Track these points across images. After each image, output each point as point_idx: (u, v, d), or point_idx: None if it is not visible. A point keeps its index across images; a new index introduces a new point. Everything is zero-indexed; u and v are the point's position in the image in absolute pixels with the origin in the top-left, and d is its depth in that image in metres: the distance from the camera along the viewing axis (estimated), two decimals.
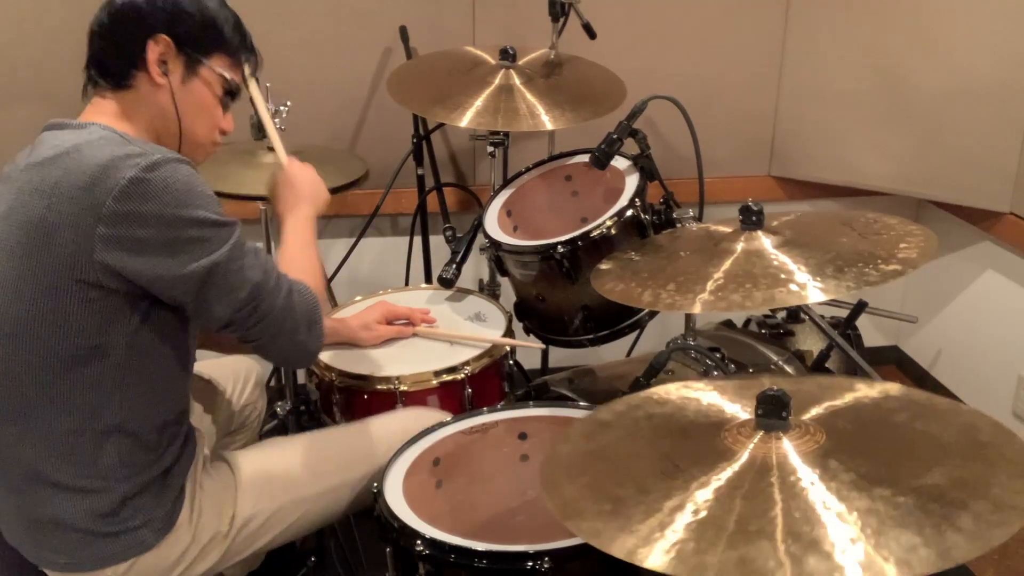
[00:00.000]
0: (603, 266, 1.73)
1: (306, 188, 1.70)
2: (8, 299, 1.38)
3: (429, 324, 2.04)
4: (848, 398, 1.29)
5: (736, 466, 1.14)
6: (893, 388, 1.31)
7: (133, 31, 1.45)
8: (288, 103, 2.22)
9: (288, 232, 1.65)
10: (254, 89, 1.71)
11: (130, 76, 1.46)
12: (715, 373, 1.87)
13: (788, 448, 1.15)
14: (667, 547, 1.03)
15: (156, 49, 1.45)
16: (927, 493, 1.06)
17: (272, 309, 1.45)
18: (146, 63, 1.45)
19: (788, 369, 2.11)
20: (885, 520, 1.02)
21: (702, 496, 1.09)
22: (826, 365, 2.08)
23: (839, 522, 1.03)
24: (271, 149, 2.29)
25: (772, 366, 2.14)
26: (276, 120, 2.24)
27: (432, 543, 1.41)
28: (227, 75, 1.53)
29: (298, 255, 1.61)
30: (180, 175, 1.35)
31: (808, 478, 1.10)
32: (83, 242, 1.32)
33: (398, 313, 2.02)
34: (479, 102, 2.20)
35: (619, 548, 1.04)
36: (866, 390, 1.31)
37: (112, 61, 1.46)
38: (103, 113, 1.47)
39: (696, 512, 1.07)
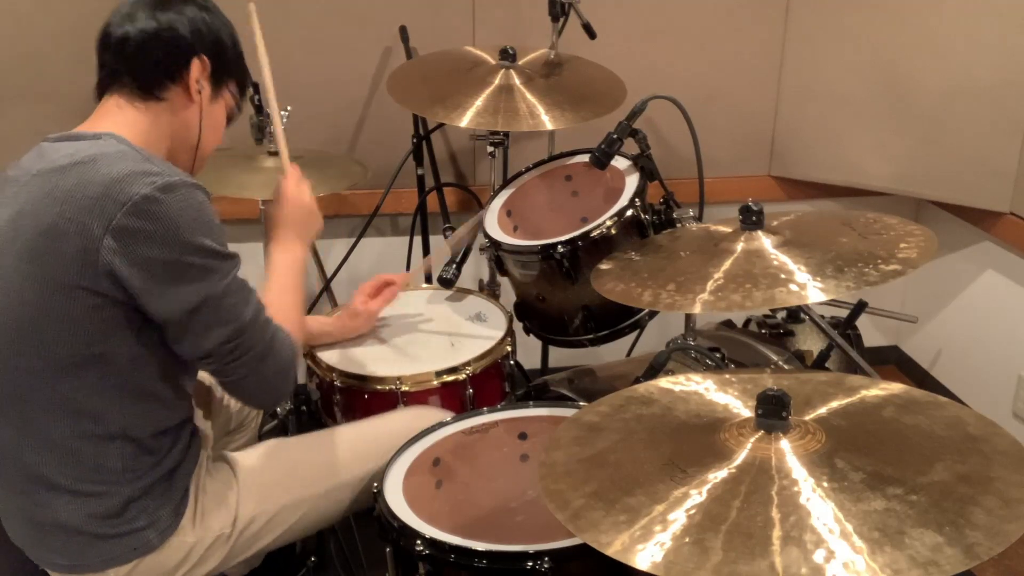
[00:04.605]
0: (603, 266, 1.73)
1: (299, 225, 1.70)
2: (13, 302, 1.38)
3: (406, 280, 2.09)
4: (834, 394, 1.30)
5: (738, 467, 1.14)
6: (881, 384, 1.31)
7: (180, 48, 1.48)
8: (289, 107, 2.22)
9: (276, 272, 1.65)
10: (276, 118, 1.82)
11: (165, 88, 1.49)
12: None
13: (789, 449, 1.15)
14: (680, 550, 1.03)
15: (199, 68, 1.50)
16: (937, 490, 1.06)
17: (252, 348, 1.45)
18: (186, 79, 1.49)
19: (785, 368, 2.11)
20: (904, 520, 1.02)
21: (714, 499, 1.09)
22: (826, 365, 2.08)
23: (862, 523, 1.02)
24: (272, 153, 2.32)
25: (772, 366, 2.14)
26: None
27: (432, 543, 1.41)
28: (239, 99, 1.61)
29: (283, 298, 1.61)
30: (194, 201, 1.36)
31: (819, 480, 1.09)
32: (89, 250, 1.32)
33: (375, 285, 2.04)
34: (479, 102, 2.20)
35: (643, 560, 1.02)
36: (852, 385, 1.32)
37: (151, 71, 1.48)
38: (121, 119, 1.47)
39: (711, 516, 1.06)
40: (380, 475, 1.59)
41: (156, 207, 1.33)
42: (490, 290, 2.42)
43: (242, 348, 1.44)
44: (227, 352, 1.43)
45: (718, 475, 1.12)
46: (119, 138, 1.43)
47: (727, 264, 1.52)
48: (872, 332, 3.18)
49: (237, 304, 1.42)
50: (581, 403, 1.84)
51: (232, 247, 1.44)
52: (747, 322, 2.60)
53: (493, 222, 2.09)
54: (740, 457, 1.15)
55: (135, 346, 1.41)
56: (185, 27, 1.48)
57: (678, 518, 1.06)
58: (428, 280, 2.27)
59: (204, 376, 1.86)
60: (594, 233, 1.89)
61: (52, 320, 1.36)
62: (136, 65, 1.48)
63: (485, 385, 1.93)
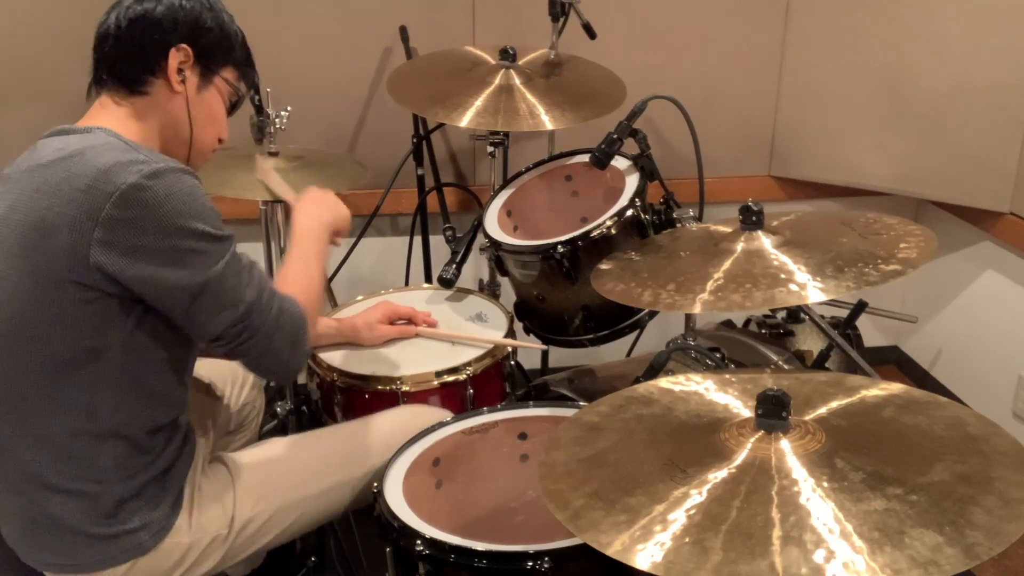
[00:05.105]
0: (603, 266, 1.73)
1: (326, 202, 1.72)
2: (7, 297, 1.38)
3: (431, 325, 2.04)
4: (834, 394, 1.30)
5: (738, 467, 1.14)
6: (881, 384, 1.31)
7: (155, 39, 1.46)
8: (288, 108, 2.22)
9: (296, 239, 1.64)
10: (269, 170, 1.83)
11: (146, 82, 1.47)
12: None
13: (789, 449, 1.15)
14: (680, 550, 1.03)
15: (177, 58, 1.47)
16: (937, 490, 1.06)
17: (261, 327, 1.44)
18: (165, 71, 1.47)
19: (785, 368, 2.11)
20: (904, 520, 1.02)
21: (713, 499, 1.09)
22: (826, 365, 2.08)
23: (862, 523, 1.02)
24: (273, 154, 2.31)
25: (772, 366, 2.14)
26: (276, 121, 2.25)
27: (432, 543, 1.41)
28: (237, 86, 1.57)
29: (298, 266, 1.60)
30: (183, 186, 1.36)
31: (819, 480, 1.09)
32: (80, 244, 1.32)
33: (400, 313, 2.02)
34: (479, 102, 2.20)
35: (643, 560, 1.02)
36: (852, 385, 1.32)
37: (129, 66, 1.47)
38: (111, 117, 1.47)
39: (711, 516, 1.06)
40: (380, 475, 1.59)
41: (144, 195, 1.32)
42: (490, 290, 2.42)
43: (250, 329, 1.43)
44: (236, 335, 1.43)
45: (718, 475, 1.12)
46: (108, 131, 1.43)
47: (727, 264, 1.52)
48: (872, 332, 3.18)
49: (238, 285, 1.41)
50: (581, 403, 1.84)
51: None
52: (747, 322, 2.60)
53: (493, 222, 2.09)
54: (740, 457, 1.15)
55: (129, 340, 1.40)
56: (160, 15, 1.46)
57: (678, 518, 1.06)
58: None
59: (203, 375, 1.87)
60: (594, 233, 1.89)
61: (45, 315, 1.36)
62: (115, 61, 1.47)
63: (485, 385, 1.93)
